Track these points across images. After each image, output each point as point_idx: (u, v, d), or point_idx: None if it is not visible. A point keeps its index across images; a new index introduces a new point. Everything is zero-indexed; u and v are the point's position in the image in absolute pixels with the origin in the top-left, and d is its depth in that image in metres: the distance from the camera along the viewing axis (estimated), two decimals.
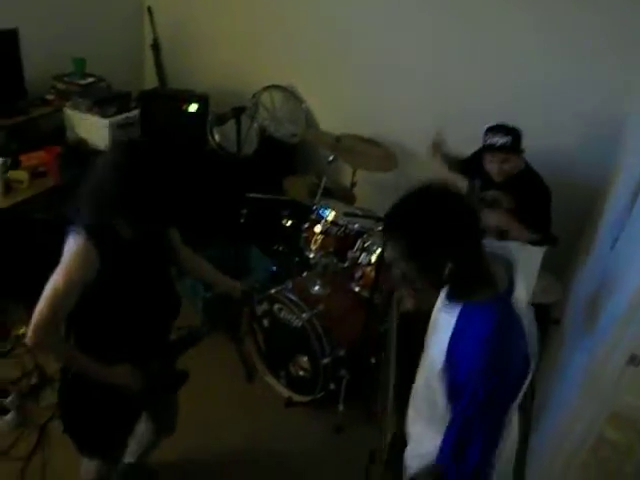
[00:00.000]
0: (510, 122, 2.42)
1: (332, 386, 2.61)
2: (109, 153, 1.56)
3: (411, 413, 1.52)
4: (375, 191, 3.37)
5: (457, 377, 1.23)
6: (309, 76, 3.74)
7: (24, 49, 3.01)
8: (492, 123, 2.46)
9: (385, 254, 1.34)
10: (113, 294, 1.58)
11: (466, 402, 1.20)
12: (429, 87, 3.35)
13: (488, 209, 2.34)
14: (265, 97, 3.80)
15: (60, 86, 3.31)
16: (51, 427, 2.49)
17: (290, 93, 3.78)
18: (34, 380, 2.67)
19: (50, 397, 2.51)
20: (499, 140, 2.38)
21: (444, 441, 1.27)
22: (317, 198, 2.97)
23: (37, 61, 3.15)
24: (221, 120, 2.95)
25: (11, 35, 2.92)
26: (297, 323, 2.58)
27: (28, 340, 1.51)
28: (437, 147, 2.78)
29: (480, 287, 1.26)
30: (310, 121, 3.80)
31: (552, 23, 2.89)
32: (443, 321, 1.32)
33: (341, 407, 2.65)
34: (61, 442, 2.38)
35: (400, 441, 1.59)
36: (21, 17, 3.04)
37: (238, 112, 2.78)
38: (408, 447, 1.52)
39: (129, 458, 2.15)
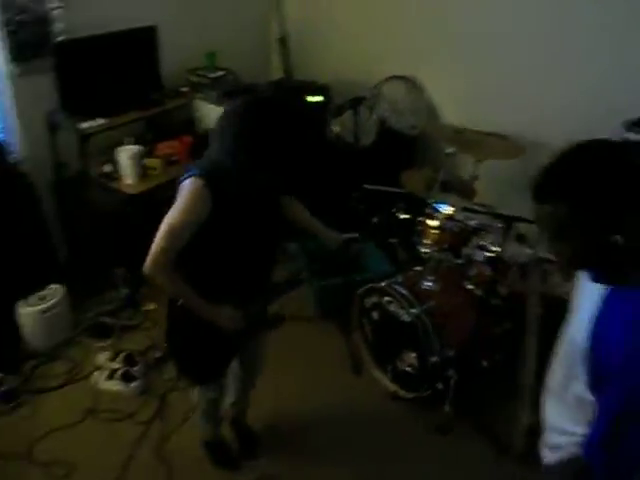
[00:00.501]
0: None
1: (440, 385, 2.53)
2: (240, 105, 1.62)
3: (547, 400, 1.38)
4: (497, 186, 3.20)
5: (604, 362, 1.09)
6: (432, 67, 3.63)
7: (161, 44, 3.23)
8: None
9: (537, 226, 1.16)
10: (221, 237, 1.69)
11: (616, 391, 1.07)
12: (559, 78, 3.11)
13: None
14: (386, 88, 3.75)
15: (193, 79, 3.51)
16: (171, 397, 2.68)
17: (412, 84, 3.70)
18: (158, 354, 2.89)
19: (172, 370, 2.69)
20: None
21: (592, 433, 1.14)
22: (434, 192, 2.88)
23: (172, 55, 3.36)
24: (339, 111, 2.95)
25: (150, 32, 3.15)
26: (406, 318, 2.53)
27: (145, 269, 1.65)
28: None
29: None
30: (431, 113, 3.69)
31: None
32: (585, 301, 1.18)
33: (447, 408, 2.56)
34: (179, 410, 2.59)
35: (535, 432, 1.47)
36: (159, 14, 3.26)
37: (355, 103, 2.78)
38: (543, 436, 1.39)
39: (229, 398, 2.32)
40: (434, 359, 2.45)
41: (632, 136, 2.12)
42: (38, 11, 2.75)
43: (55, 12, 2.81)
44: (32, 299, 2.83)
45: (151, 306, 3.17)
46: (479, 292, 2.59)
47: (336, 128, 3.45)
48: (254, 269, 1.86)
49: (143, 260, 1.63)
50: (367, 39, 3.84)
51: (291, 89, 3.88)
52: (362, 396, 2.76)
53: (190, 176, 1.64)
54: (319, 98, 3.64)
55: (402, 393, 2.68)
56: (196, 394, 2.18)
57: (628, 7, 2.83)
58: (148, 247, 1.63)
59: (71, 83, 2.85)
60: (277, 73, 4.17)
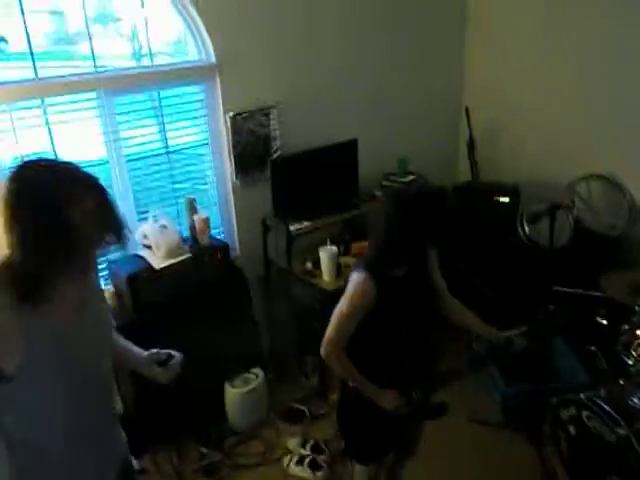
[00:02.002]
0: None
1: None
2: (383, 205, 1.99)
3: None
4: None
5: None
6: (634, 164, 3.45)
7: (359, 153, 3.58)
8: None
9: None
10: (385, 323, 1.85)
11: None
12: None
13: None
14: (581, 187, 3.65)
15: (386, 183, 3.79)
16: None
17: (611, 182, 3.55)
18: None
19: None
20: None
21: None
22: None
23: (368, 162, 3.67)
24: (535, 217, 2.94)
25: (353, 144, 3.53)
26: (611, 437, 2.30)
27: (321, 353, 1.86)
28: None
29: None
30: (634, 213, 3.47)
31: None
32: None
33: None
34: None
35: None
36: (359, 128, 3.64)
37: (554, 209, 2.74)
38: None
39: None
40: None
41: None
42: (261, 134, 3.28)
43: (274, 134, 3.32)
44: (237, 381, 3.17)
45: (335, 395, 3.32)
46: None
47: (527, 229, 3.40)
48: (414, 351, 1.99)
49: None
50: (555, 138, 3.81)
51: (478, 190, 3.97)
52: None
53: (357, 270, 1.85)
54: (507, 199, 3.67)
55: None
56: (356, 475, 2.26)
57: None
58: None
59: (283, 191, 3.28)
60: (465, 175, 4.30)
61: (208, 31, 2.95)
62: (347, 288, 1.88)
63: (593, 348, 3.06)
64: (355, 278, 1.85)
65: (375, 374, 1.90)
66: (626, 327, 2.60)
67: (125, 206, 2.93)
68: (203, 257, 2.99)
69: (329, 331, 1.85)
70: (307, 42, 3.36)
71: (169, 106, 3.05)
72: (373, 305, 1.81)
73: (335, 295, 3.18)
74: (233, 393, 3.13)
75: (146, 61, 2.97)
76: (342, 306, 1.85)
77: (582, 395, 2.49)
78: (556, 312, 2.91)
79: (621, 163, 3.50)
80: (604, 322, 2.98)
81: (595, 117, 3.58)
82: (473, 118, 4.14)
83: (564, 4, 3.55)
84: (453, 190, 3.85)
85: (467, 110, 4.19)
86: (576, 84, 3.63)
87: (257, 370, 3.24)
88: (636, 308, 2.60)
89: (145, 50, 2.95)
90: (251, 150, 3.27)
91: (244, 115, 3.16)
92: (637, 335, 2.52)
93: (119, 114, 2.88)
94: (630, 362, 2.53)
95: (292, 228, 3.17)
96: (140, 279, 2.79)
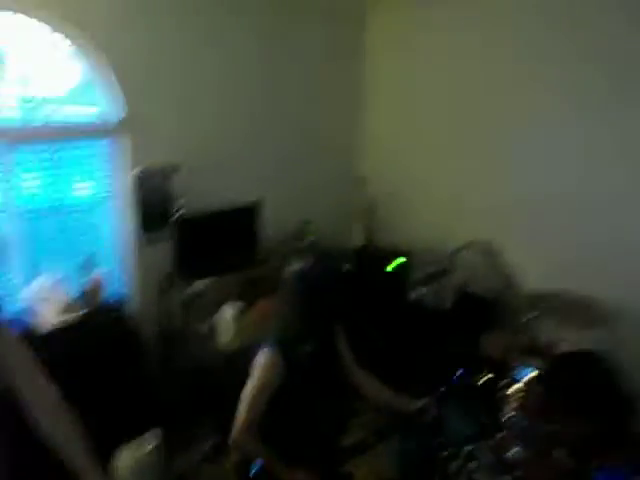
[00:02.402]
0: None
1: None
2: (290, 285, 2.04)
3: None
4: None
5: None
6: (512, 233, 3.85)
7: (262, 214, 3.69)
8: None
9: None
10: (295, 398, 1.89)
11: None
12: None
13: None
14: (465, 253, 3.99)
15: (286, 245, 3.92)
16: None
17: (490, 250, 3.92)
18: None
19: None
20: None
21: None
22: (515, 356, 2.93)
23: (271, 223, 3.80)
24: (422, 282, 3.18)
25: (255, 206, 3.65)
26: None
27: (232, 441, 1.85)
28: None
29: None
30: (510, 277, 3.85)
31: None
32: None
33: None
34: None
35: None
36: (262, 190, 3.76)
37: (438, 274, 3.00)
38: None
39: None
40: None
41: None
42: (165, 192, 3.30)
43: (178, 193, 3.35)
44: (130, 446, 3.00)
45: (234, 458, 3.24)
46: (571, 463, 2.50)
47: (416, 292, 3.65)
48: (322, 428, 2.02)
49: (227, 413, 1.84)
50: (445, 209, 4.17)
51: (373, 254, 4.21)
52: None
53: (265, 347, 1.91)
54: (400, 263, 3.93)
55: None
56: None
57: None
58: (233, 400, 1.85)
59: (185, 250, 3.29)
60: (362, 239, 4.55)
61: (120, 90, 3.00)
62: (255, 365, 1.92)
63: (476, 403, 3.27)
64: (263, 355, 1.91)
65: (284, 448, 1.91)
66: (503, 384, 2.85)
67: (19, 260, 2.80)
68: (98, 314, 2.90)
69: (241, 413, 1.85)
70: (215, 106, 3.50)
71: (73, 159, 3.00)
72: (282, 381, 1.87)
73: (233, 354, 3.22)
74: (125, 458, 2.96)
75: (50, 113, 2.93)
76: (252, 385, 1.88)
77: (467, 448, 2.65)
78: (459, 375, 3.09)
79: (498, 232, 3.90)
80: (485, 379, 3.22)
81: (475, 191, 4.00)
82: (371, 185, 4.43)
83: (456, 83, 4.01)
84: (350, 254, 4.05)
85: (364, 178, 4.49)
86: (458, 159, 4.06)
87: (153, 431, 3.10)
88: (512, 366, 2.86)
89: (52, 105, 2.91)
90: (155, 208, 3.27)
91: (150, 173, 3.18)
92: (512, 391, 2.76)
93: (17, 164, 2.79)
94: (507, 416, 2.75)
95: (192, 287, 3.17)
96: (27, 338, 2.63)
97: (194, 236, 3.32)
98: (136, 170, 3.12)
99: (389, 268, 3.93)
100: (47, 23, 2.75)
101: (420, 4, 4.06)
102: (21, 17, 2.67)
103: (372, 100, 4.51)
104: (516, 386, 2.76)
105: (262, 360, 1.89)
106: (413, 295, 3.67)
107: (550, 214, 3.65)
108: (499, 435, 2.83)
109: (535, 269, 3.72)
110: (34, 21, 2.71)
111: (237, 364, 3.20)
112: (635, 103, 3.21)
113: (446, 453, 2.72)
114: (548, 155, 3.62)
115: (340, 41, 4.26)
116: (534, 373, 2.71)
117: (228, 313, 3.23)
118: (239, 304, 3.34)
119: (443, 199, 4.20)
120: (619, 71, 3.24)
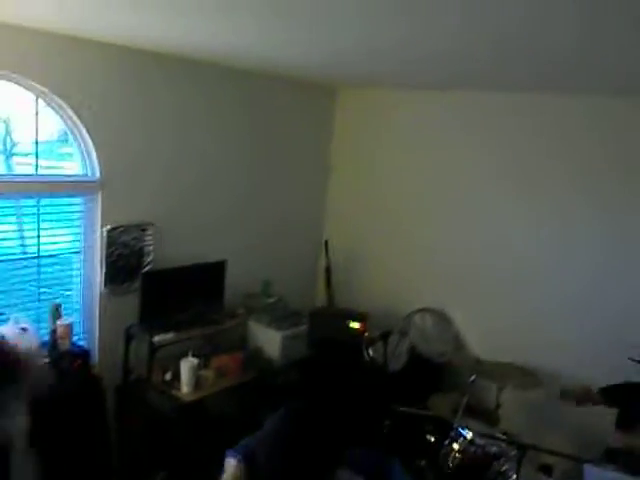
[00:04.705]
0: None
1: None
2: (280, 416, 2.39)
3: None
4: (520, 414, 3.41)
5: None
6: (459, 301, 4.14)
7: (228, 272, 3.88)
8: None
9: None
10: None
11: None
12: (574, 317, 3.53)
13: None
14: (418, 318, 4.23)
15: (249, 303, 4.10)
16: None
17: (441, 316, 4.18)
18: None
19: None
20: None
21: None
22: (458, 416, 3.11)
23: (234, 282, 3.98)
24: (371, 342, 3.41)
25: (221, 265, 3.84)
26: None
27: None
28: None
29: None
30: (457, 343, 4.08)
31: None
32: None
33: None
34: None
35: None
36: (229, 250, 3.97)
37: (386, 336, 3.24)
38: None
39: None
40: None
41: None
42: (135, 247, 3.48)
43: (148, 249, 3.54)
44: None
45: None
46: None
47: (370, 352, 3.84)
48: None
49: (184, 466, 2.04)
50: (401, 276, 4.45)
51: (332, 315, 4.41)
52: None
53: (228, 456, 2.20)
54: (356, 325, 4.14)
55: None
56: None
57: None
58: (191, 452, 2.06)
59: (150, 303, 3.44)
60: (322, 300, 4.76)
61: (95, 151, 3.22)
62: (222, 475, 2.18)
63: (423, 462, 3.41)
64: (228, 465, 2.18)
65: None
66: (447, 442, 3.02)
67: None
68: (61, 363, 3.00)
69: None
70: (187, 170, 3.73)
71: (48, 211, 3.17)
72: None
73: (192, 406, 3.33)
74: None
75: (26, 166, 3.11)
76: None
77: None
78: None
79: (448, 299, 4.17)
80: (432, 439, 3.39)
81: (426, 261, 4.30)
82: (331, 250, 4.69)
83: (409, 166, 4.37)
84: (310, 314, 4.24)
85: (326, 243, 4.75)
86: (410, 232, 4.38)
87: None
88: (454, 425, 3.05)
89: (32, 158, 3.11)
90: (123, 261, 3.44)
91: (120, 229, 3.36)
92: (453, 448, 2.93)
93: None
94: (449, 472, 2.92)
95: (156, 338, 3.31)
96: None
97: (161, 289, 3.49)
98: (107, 227, 3.30)
99: (347, 328, 4.13)
100: (27, 88, 2.96)
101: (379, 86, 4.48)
102: None
103: (336, 175, 4.85)
104: (456, 445, 2.94)
105: (227, 467, 2.18)
106: (367, 355, 3.85)
107: (492, 285, 3.97)
108: None
109: (478, 337, 4.03)
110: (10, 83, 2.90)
111: (193, 416, 3.34)
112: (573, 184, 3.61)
113: None
114: (491, 233, 3.98)
115: (312, 123, 4.63)
116: (470, 434, 2.90)
117: (188, 365, 3.35)
118: (199, 358, 3.48)
119: (396, 268, 4.49)
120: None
